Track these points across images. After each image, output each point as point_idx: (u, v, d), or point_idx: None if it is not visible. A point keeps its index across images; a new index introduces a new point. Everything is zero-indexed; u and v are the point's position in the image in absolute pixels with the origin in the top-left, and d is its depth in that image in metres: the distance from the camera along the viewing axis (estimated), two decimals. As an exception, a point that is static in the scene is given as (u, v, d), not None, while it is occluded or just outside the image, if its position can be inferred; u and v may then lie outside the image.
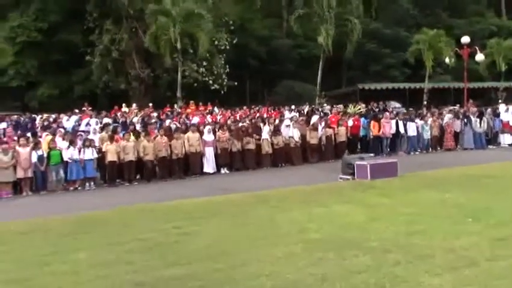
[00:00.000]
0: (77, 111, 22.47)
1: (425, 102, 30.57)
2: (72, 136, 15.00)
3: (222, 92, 34.35)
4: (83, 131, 16.97)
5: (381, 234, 7.46)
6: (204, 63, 33.75)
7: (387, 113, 19.85)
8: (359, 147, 19.35)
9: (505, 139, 20.77)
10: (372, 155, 18.43)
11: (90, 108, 24.72)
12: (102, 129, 16.50)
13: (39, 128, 18.34)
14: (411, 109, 27.60)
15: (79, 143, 14.82)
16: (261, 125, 17.94)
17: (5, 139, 15.62)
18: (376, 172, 12.51)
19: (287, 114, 23.14)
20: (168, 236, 8.01)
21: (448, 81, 39.71)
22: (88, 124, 18.46)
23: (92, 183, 14.81)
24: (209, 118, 21.85)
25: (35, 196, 13.90)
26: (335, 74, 45.18)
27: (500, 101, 27.14)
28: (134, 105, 26.16)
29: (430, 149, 19.82)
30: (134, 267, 6.52)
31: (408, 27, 44.03)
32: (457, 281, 5.40)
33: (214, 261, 6.54)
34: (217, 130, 16.98)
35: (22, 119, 21.57)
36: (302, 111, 25.37)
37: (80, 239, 8.15)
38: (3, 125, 18.82)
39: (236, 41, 35.69)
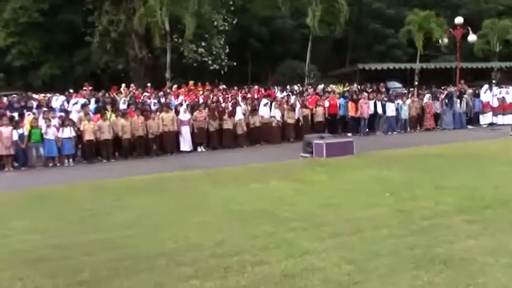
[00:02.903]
0: (71, 91, 23.05)
1: (416, 83, 30.55)
2: (47, 115, 15.64)
3: (222, 72, 34.68)
4: (66, 111, 17.60)
5: (297, 206, 8.02)
6: (203, 44, 34.10)
7: (365, 94, 20.12)
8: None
9: (485, 119, 21.00)
10: (350, 134, 18.98)
11: (90, 88, 25.27)
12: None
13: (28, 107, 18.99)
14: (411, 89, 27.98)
15: (57, 121, 15.51)
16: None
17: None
18: (332, 150, 13.00)
19: (278, 94, 23.53)
20: (105, 208, 8.68)
21: (453, 61, 39.44)
22: (75, 104, 19.09)
23: (70, 160, 15.55)
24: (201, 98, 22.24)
25: (15, 172, 14.74)
26: (339, 54, 45.31)
27: (493, 81, 26.94)
28: (132, 85, 26.68)
29: (409, 129, 20.11)
30: (60, 233, 7.22)
31: (413, 6, 43.63)
32: (333, 245, 5.95)
33: (132, 229, 7.20)
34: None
35: (16, 98, 22.21)
36: (294, 91, 25.68)
37: (26, 210, 8.89)
38: (-5, 104, 19.53)
39: (236, 21, 35.91)
